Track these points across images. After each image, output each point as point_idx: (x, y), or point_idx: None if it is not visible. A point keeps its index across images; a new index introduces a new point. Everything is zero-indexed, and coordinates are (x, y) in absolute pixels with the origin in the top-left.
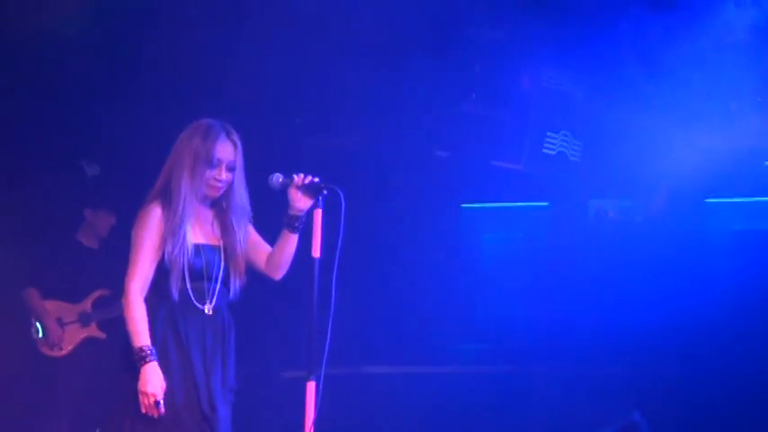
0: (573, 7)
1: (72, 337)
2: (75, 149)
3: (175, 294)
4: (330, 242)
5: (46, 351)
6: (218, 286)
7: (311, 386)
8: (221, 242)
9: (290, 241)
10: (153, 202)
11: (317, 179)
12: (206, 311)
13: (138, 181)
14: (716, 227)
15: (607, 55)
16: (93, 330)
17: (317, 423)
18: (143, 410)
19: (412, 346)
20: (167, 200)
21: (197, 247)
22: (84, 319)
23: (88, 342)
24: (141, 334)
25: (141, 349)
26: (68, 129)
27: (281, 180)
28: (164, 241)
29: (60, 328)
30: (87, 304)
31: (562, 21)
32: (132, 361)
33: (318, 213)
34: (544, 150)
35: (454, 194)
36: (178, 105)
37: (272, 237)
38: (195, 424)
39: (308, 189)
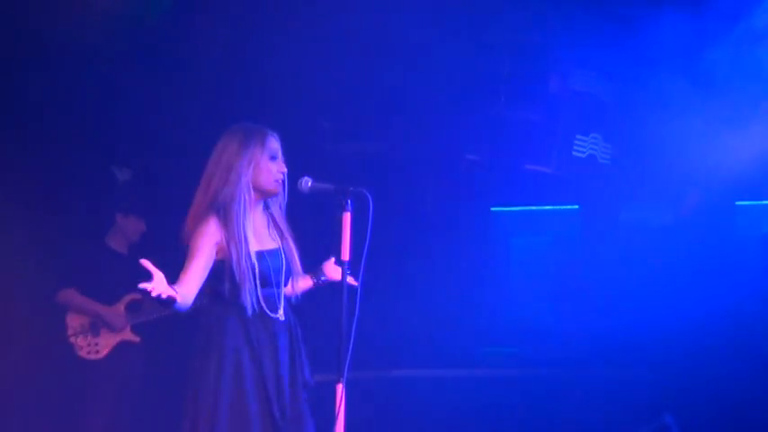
0: (603, 9)
1: (107, 341)
2: (107, 154)
3: (248, 305)
4: (360, 246)
5: (83, 355)
6: (282, 290)
7: (341, 389)
8: (280, 245)
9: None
10: (207, 215)
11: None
12: (279, 318)
13: (169, 187)
14: (746, 229)
15: (637, 57)
16: (128, 334)
17: (346, 426)
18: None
19: (440, 350)
20: (221, 211)
21: (261, 255)
22: None
23: (122, 345)
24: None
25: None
26: (101, 133)
27: (309, 184)
28: (226, 252)
29: (97, 331)
30: (120, 308)
31: (592, 23)
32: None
33: (347, 217)
34: (574, 153)
35: (484, 198)
36: (207, 110)
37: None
38: (265, 430)
39: (336, 192)
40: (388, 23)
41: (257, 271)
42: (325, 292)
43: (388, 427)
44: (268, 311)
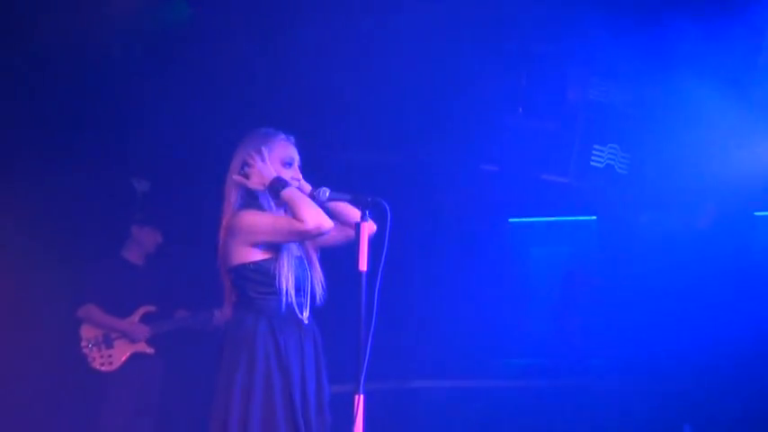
0: (621, 18)
1: (121, 353)
2: (123, 166)
3: (281, 307)
4: (377, 256)
5: (96, 366)
6: (308, 297)
7: (359, 400)
8: (300, 252)
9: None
10: (242, 209)
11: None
12: (304, 321)
13: (184, 198)
14: (765, 240)
15: (655, 66)
16: (142, 346)
17: None
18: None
19: (459, 361)
20: (256, 208)
21: (291, 259)
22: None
23: (136, 357)
24: None
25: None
26: (118, 145)
27: (327, 194)
28: (266, 251)
29: (110, 343)
30: (134, 320)
31: (610, 32)
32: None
33: (365, 227)
34: (592, 163)
35: (501, 209)
36: (225, 121)
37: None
38: None
39: (354, 202)
40: (407, 35)
41: (291, 275)
42: (343, 302)
43: None
44: (297, 314)
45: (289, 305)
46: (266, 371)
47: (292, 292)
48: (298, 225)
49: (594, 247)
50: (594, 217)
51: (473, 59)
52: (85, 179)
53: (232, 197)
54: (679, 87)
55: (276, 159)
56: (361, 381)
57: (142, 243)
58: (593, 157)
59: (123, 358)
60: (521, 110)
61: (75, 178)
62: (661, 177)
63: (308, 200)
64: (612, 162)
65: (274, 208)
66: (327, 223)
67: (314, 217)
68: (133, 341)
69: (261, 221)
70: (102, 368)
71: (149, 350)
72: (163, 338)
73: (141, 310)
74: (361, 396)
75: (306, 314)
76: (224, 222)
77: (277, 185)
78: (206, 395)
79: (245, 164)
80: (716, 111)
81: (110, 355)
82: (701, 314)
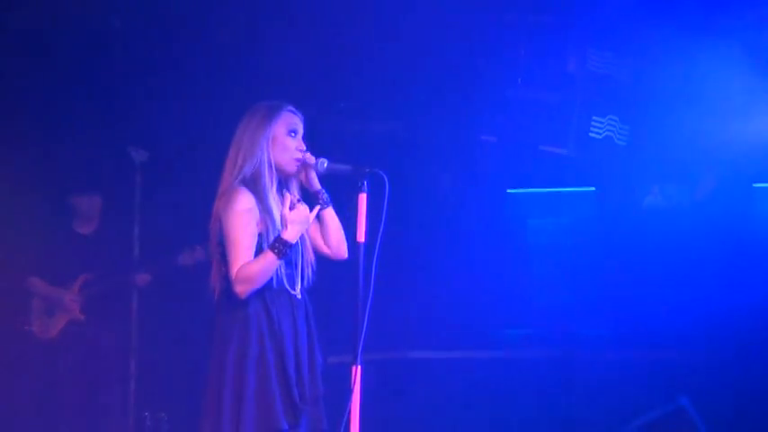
0: None
1: (58, 321)
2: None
3: (272, 281)
4: (376, 227)
5: (38, 335)
6: (299, 271)
7: (357, 371)
8: None
9: (328, 216)
10: (240, 190)
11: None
12: (297, 296)
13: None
14: (764, 212)
15: (654, 37)
16: (76, 313)
17: (361, 408)
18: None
19: (456, 332)
20: (251, 185)
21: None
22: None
23: (75, 325)
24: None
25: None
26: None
27: (325, 165)
28: (260, 227)
29: (52, 312)
30: (75, 288)
31: (608, 3)
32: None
33: (363, 198)
34: (591, 135)
35: (500, 179)
36: (216, 94)
37: None
38: (286, 413)
39: (352, 173)
40: (405, 5)
41: None
42: (340, 273)
43: (403, 409)
44: (289, 289)
45: (279, 280)
46: (260, 344)
47: (283, 267)
48: (233, 268)
49: (593, 218)
50: (593, 188)
51: (472, 30)
52: (37, 153)
53: (236, 167)
54: (678, 59)
55: (282, 127)
56: (359, 352)
57: (83, 212)
58: (591, 129)
59: (59, 326)
60: (520, 81)
61: (26, 152)
62: (660, 149)
63: (264, 274)
64: (611, 133)
65: (273, 197)
66: (241, 295)
67: (242, 284)
68: (67, 310)
69: (235, 218)
70: (40, 335)
71: (81, 316)
72: (96, 303)
73: (81, 279)
74: (359, 367)
75: (298, 288)
76: (220, 192)
77: (275, 242)
78: (186, 362)
79: (271, 136)
80: (716, 83)
81: (48, 324)
82: (699, 286)
